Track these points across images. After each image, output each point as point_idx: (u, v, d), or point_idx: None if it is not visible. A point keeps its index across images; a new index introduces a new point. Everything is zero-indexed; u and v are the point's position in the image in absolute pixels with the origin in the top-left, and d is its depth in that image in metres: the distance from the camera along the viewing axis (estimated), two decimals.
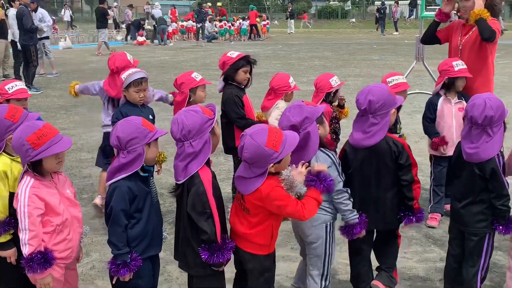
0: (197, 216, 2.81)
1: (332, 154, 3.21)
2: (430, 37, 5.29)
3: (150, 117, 4.38)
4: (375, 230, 3.55)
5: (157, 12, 28.23)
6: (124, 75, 4.30)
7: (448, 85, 4.69)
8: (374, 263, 3.64)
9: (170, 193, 3.06)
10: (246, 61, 4.75)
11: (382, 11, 32.29)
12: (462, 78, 4.62)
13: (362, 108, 3.29)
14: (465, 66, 4.61)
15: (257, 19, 29.75)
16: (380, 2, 35.52)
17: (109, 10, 28.62)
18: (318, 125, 3.14)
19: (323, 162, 3.10)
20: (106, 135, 4.88)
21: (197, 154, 2.83)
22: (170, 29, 28.54)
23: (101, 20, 20.49)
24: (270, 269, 3.03)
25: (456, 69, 4.61)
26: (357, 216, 3.24)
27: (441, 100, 4.73)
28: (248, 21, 29.75)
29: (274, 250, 3.05)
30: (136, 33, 26.87)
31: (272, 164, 2.77)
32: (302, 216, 2.83)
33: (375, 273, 3.60)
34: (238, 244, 2.96)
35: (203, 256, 2.81)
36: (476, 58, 4.75)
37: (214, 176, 2.96)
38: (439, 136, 4.71)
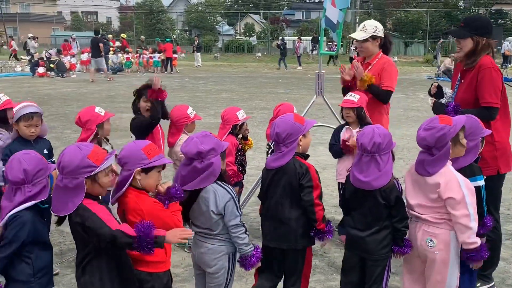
0: (107, 240, 2.69)
1: (231, 189, 3.27)
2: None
3: (45, 151, 4.19)
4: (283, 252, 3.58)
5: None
6: (15, 108, 4.12)
7: (342, 115, 4.96)
8: None
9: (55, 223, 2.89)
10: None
11: (282, 47, 33.25)
12: (345, 108, 4.84)
13: (272, 140, 3.51)
14: (351, 98, 4.80)
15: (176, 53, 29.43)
16: (280, 38, 36.70)
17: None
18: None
19: (221, 197, 3.18)
20: None
21: (71, 190, 2.68)
22: (73, 60, 27.60)
23: (96, 49, 22.18)
24: (169, 286, 3.07)
25: (343, 99, 4.92)
26: (253, 248, 3.30)
27: (344, 129, 4.99)
28: (157, 54, 29.19)
29: (169, 267, 3.09)
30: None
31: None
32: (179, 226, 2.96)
33: None
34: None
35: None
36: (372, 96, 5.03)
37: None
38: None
